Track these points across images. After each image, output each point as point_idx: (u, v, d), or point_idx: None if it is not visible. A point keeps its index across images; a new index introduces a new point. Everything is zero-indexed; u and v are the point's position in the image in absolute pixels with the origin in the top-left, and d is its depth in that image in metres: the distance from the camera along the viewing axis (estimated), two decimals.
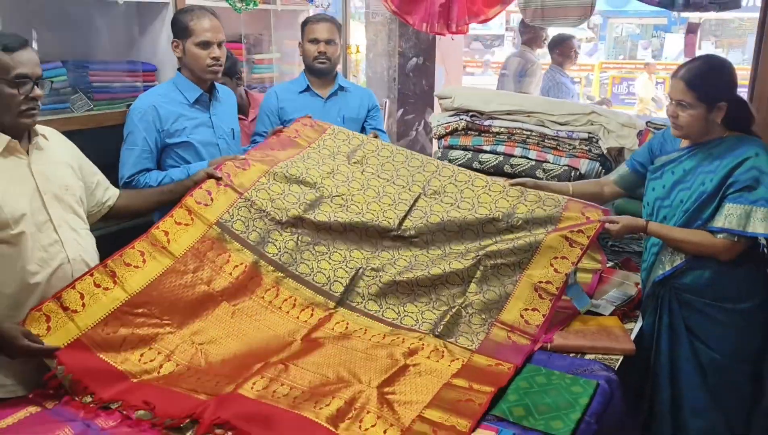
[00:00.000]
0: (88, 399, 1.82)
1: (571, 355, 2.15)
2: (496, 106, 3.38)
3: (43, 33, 1.93)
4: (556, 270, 2.30)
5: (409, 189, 2.61)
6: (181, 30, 2.60)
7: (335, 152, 2.76)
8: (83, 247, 2.07)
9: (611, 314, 2.41)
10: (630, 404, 2.18)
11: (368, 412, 1.80)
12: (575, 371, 2.03)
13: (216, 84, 2.77)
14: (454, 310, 2.26)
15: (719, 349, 2.30)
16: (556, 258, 2.33)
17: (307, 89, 3.14)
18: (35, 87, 1.88)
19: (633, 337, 2.31)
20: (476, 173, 2.70)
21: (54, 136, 2.10)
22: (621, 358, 2.16)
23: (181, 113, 2.63)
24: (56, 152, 2.07)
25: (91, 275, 2.04)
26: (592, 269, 2.67)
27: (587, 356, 2.15)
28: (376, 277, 2.38)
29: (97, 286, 2.03)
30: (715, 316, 2.30)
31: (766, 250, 2.36)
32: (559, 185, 2.68)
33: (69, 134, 2.52)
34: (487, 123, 3.36)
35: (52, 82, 2.01)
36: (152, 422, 1.74)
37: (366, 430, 1.74)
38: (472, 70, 14.73)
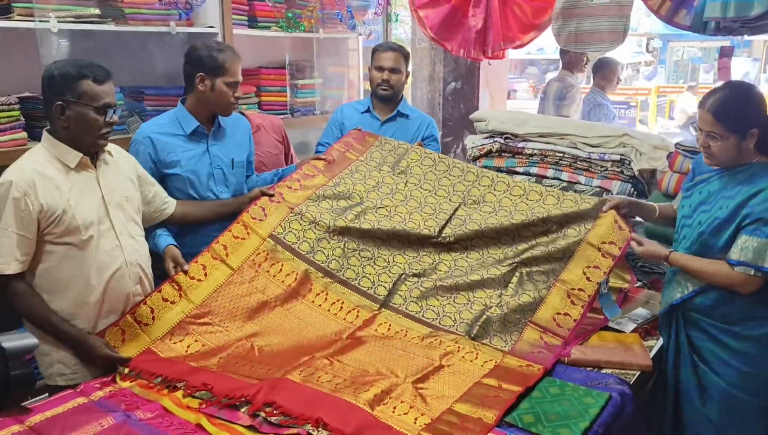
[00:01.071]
0: (158, 380, 2.05)
1: (588, 368, 2.20)
2: (529, 129, 3.46)
3: (104, 61, 2.13)
4: (588, 278, 2.42)
5: (450, 199, 2.77)
6: (213, 67, 2.57)
7: (381, 163, 2.95)
8: (139, 252, 2.31)
9: (632, 332, 2.45)
10: (643, 419, 2.20)
11: (402, 402, 1.94)
12: (590, 384, 2.09)
13: (234, 114, 2.79)
14: (490, 311, 2.38)
15: (724, 374, 2.23)
16: (588, 267, 2.44)
17: (368, 111, 3.32)
18: (114, 114, 2.15)
19: (652, 354, 2.34)
20: (515, 180, 2.84)
21: (117, 152, 2.34)
22: (637, 373, 2.19)
23: (176, 144, 2.63)
24: (119, 166, 2.31)
25: (160, 291, 2.32)
26: (619, 288, 2.71)
27: (604, 370, 2.19)
28: (418, 282, 2.53)
29: (165, 300, 2.31)
30: (722, 339, 2.24)
31: None
32: (648, 204, 2.67)
33: None
34: (520, 145, 3.45)
35: (120, 109, 2.23)
36: (207, 402, 1.94)
37: (399, 415, 1.89)
38: (524, 95, 14.72)
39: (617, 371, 2.19)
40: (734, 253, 2.15)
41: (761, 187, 2.15)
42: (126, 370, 2.11)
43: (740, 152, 2.21)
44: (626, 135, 3.27)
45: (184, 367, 2.11)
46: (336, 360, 2.17)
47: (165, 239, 2.51)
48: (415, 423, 1.85)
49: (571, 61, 4.90)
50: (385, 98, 3.26)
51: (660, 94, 12.57)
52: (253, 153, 2.93)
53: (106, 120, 2.12)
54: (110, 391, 2.03)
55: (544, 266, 2.49)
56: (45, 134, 2.14)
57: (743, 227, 2.15)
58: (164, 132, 2.64)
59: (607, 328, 2.45)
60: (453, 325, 2.40)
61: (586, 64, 4.99)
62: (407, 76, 3.35)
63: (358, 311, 2.46)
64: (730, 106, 2.18)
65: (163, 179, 2.62)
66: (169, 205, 2.53)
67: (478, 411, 1.90)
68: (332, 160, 2.91)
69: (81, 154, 2.13)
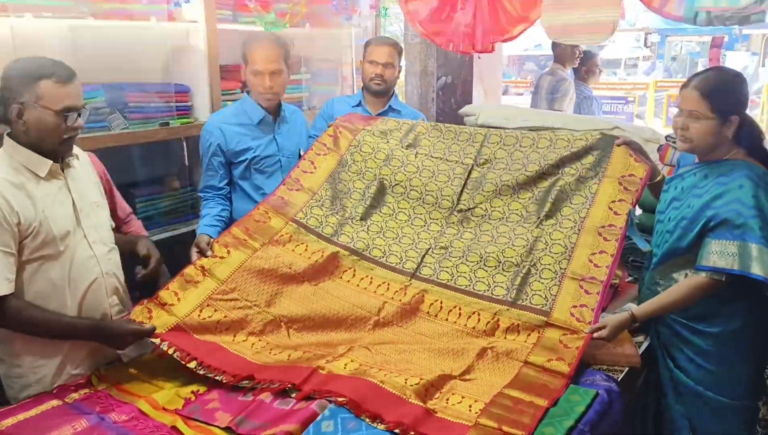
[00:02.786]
0: (193, 365, 2.01)
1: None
2: (519, 123, 3.41)
3: (83, 57, 2.08)
4: (615, 212, 2.38)
5: (462, 162, 2.74)
6: (243, 56, 2.76)
7: (387, 135, 2.91)
8: (113, 261, 2.18)
9: None
10: (632, 416, 2.17)
11: (453, 394, 1.94)
12: (577, 381, 2.04)
13: (283, 103, 2.92)
14: (524, 270, 2.34)
15: (691, 372, 2.19)
16: (614, 202, 2.41)
17: (360, 104, 3.30)
18: (78, 118, 1.97)
19: (641, 350, 2.30)
20: (522, 133, 2.80)
21: (82, 155, 2.21)
22: (625, 369, 2.16)
23: (245, 133, 2.79)
24: (86, 170, 2.20)
25: (182, 275, 2.30)
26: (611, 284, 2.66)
27: (591, 367, 2.15)
28: (446, 252, 2.50)
29: (188, 281, 2.30)
30: (686, 336, 2.20)
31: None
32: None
33: (106, 150, 2.72)
34: None
35: (88, 111, 2.07)
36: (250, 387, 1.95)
37: (453, 405, 1.89)
38: (522, 90, 14.69)
39: (605, 368, 2.15)
40: (706, 260, 2.08)
41: (727, 187, 2.08)
42: (158, 341, 2.06)
43: (718, 138, 2.14)
44: (617, 128, 3.22)
45: (220, 352, 2.08)
46: (380, 355, 2.13)
47: (202, 227, 2.63)
48: (470, 410, 1.85)
49: (563, 55, 4.86)
50: (378, 92, 3.24)
51: (658, 89, 12.51)
52: (307, 146, 3.01)
53: (68, 124, 1.94)
54: (85, 392, 1.98)
55: (568, 212, 2.46)
56: (6, 139, 1.96)
57: (710, 230, 2.08)
58: (232, 122, 2.79)
59: None
60: (487, 290, 2.34)
61: (578, 57, 4.95)
62: (399, 72, 3.32)
63: (388, 285, 2.42)
64: (717, 86, 2.12)
65: (231, 170, 2.80)
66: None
67: (530, 396, 1.90)
68: (337, 136, 2.90)
69: (51, 162, 1.97)
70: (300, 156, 2.93)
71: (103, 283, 2.11)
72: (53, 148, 1.98)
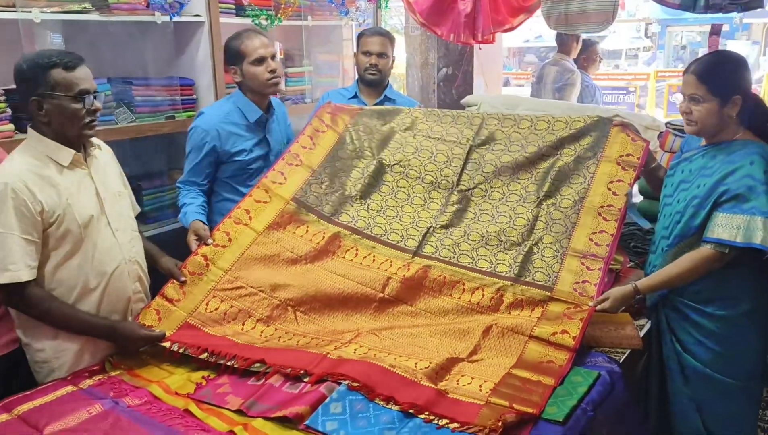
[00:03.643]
0: (205, 356, 2.06)
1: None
2: (521, 111, 3.44)
3: (90, 53, 2.12)
4: (614, 193, 2.42)
5: (460, 143, 2.76)
6: (234, 56, 2.73)
7: (385, 117, 2.93)
8: (136, 249, 2.25)
9: (623, 311, 2.44)
10: (635, 397, 2.20)
11: (463, 375, 1.98)
12: (580, 363, 2.07)
13: (272, 99, 2.91)
14: (525, 248, 2.38)
15: (699, 355, 2.21)
16: (612, 182, 2.45)
17: (355, 96, 3.32)
18: (95, 100, 2.04)
19: (643, 333, 2.33)
20: (521, 115, 2.83)
21: (104, 147, 2.27)
22: (627, 351, 2.19)
23: (240, 134, 2.76)
24: (109, 161, 2.26)
25: (185, 267, 2.32)
26: (611, 268, 2.70)
27: (594, 350, 2.19)
28: (447, 232, 2.52)
29: (192, 273, 2.32)
30: (695, 318, 2.22)
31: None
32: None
33: (112, 144, 2.75)
34: None
35: (104, 94, 2.14)
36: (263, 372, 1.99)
37: (464, 386, 1.93)
38: (523, 82, 14.67)
39: (607, 350, 2.19)
40: (713, 232, 2.10)
41: (738, 164, 2.11)
42: (169, 344, 2.10)
43: (721, 120, 2.18)
44: (617, 116, 3.24)
45: (229, 343, 2.12)
46: (384, 336, 2.17)
47: (192, 214, 2.59)
48: (480, 390, 1.89)
49: (568, 45, 4.86)
50: (373, 82, 3.26)
51: (659, 79, 12.49)
52: (292, 134, 3.03)
53: (87, 107, 2.00)
54: (99, 379, 2.03)
55: (567, 192, 2.50)
56: (30, 132, 2.04)
57: (720, 205, 2.10)
58: (228, 121, 2.76)
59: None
60: (490, 267, 2.37)
61: (579, 46, 4.96)
62: (393, 61, 3.34)
63: (391, 262, 2.45)
64: (714, 69, 2.17)
65: (219, 168, 2.77)
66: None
67: (537, 375, 1.94)
68: (335, 114, 2.93)
69: (73, 151, 2.04)
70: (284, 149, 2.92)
71: (126, 270, 2.17)
72: (77, 132, 2.03)
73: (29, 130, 2.05)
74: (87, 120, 2.03)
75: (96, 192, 2.11)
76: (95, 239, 2.08)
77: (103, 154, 2.22)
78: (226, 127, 2.74)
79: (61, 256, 2.03)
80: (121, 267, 2.15)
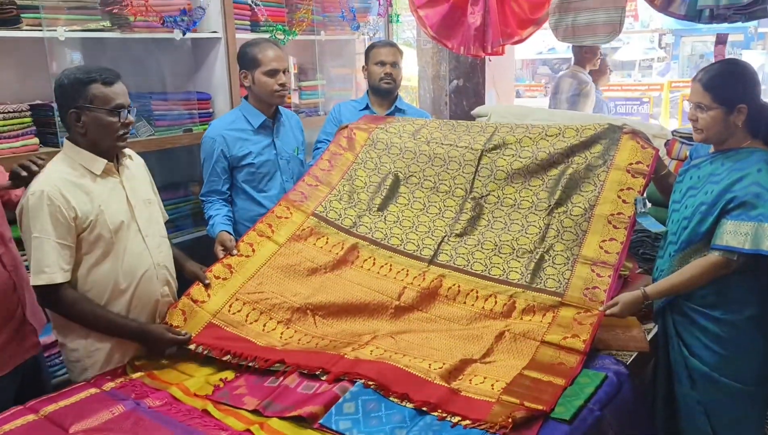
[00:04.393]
0: (228, 357, 2.16)
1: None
2: (530, 122, 3.49)
3: (111, 68, 2.23)
4: (624, 201, 2.47)
5: (472, 148, 2.83)
6: (249, 61, 2.84)
7: (400, 132, 3.02)
8: (165, 253, 2.35)
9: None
10: (642, 399, 2.23)
11: (476, 375, 2.05)
12: (588, 365, 2.11)
13: (280, 108, 3.03)
14: (537, 256, 2.44)
15: (705, 358, 2.23)
16: (622, 190, 2.50)
17: (367, 107, 3.41)
18: (128, 114, 2.16)
19: (650, 337, 2.37)
20: (533, 124, 2.90)
21: (135, 157, 2.39)
22: (634, 354, 2.23)
23: (246, 138, 2.89)
24: (139, 170, 2.37)
25: (210, 271, 2.46)
26: (620, 274, 2.73)
27: (601, 352, 2.22)
28: (461, 240, 2.60)
29: (217, 277, 2.44)
30: (701, 323, 2.24)
31: None
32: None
33: None
34: None
35: (135, 108, 2.26)
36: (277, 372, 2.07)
37: (477, 385, 1.99)
38: (535, 94, 14.69)
39: (614, 353, 2.22)
40: (720, 239, 2.12)
41: (746, 171, 2.13)
42: (194, 347, 2.20)
43: (727, 128, 2.20)
44: (626, 125, 3.29)
45: (251, 346, 2.20)
46: (399, 338, 2.24)
47: (219, 225, 2.74)
48: (492, 389, 1.95)
49: (585, 57, 4.88)
50: (388, 92, 3.35)
51: (673, 89, 12.47)
52: (305, 144, 3.15)
53: (121, 121, 2.13)
54: (121, 381, 2.10)
55: (578, 200, 2.55)
56: (66, 143, 2.16)
57: (728, 212, 2.12)
58: (233, 128, 2.89)
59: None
60: (503, 274, 2.44)
61: (598, 59, 4.96)
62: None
63: (407, 271, 2.53)
64: (719, 78, 2.20)
65: (233, 174, 2.90)
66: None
67: (548, 376, 1.99)
68: (352, 137, 3.02)
69: (105, 161, 2.15)
70: (296, 156, 3.06)
71: (155, 274, 2.27)
72: (111, 143, 2.16)
73: (65, 141, 2.17)
74: (120, 132, 2.15)
75: (127, 199, 2.22)
76: (126, 244, 2.18)
77: (134, 164, 2.34)
78: (232, 132, 2.87)
79: (94, 260, 2.13)
80: (150, 271, 2.25)
